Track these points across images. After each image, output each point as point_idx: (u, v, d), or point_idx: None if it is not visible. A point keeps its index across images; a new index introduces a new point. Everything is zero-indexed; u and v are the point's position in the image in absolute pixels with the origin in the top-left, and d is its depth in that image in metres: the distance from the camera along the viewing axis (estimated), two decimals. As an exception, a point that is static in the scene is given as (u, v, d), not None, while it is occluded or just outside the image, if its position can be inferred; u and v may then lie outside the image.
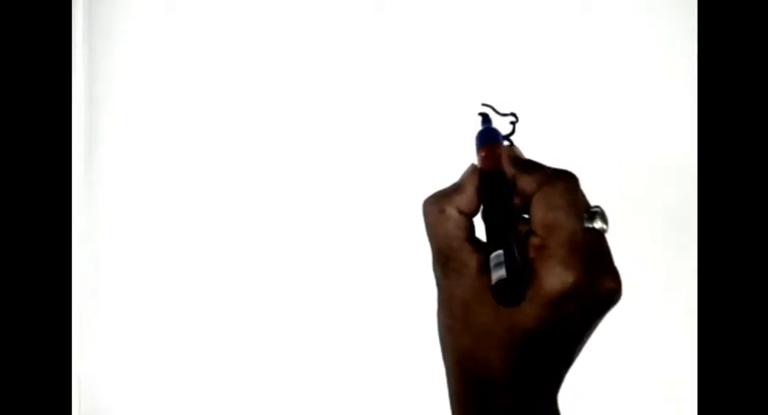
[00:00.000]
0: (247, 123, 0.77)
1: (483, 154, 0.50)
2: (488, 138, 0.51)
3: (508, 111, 0.52)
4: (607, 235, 0.45)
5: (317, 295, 0.76)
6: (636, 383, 0.74)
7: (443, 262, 0.46)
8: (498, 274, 0.43)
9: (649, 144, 0.74)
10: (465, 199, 0.47)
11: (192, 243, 0.77)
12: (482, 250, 0.45)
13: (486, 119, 0.53)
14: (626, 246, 0.50)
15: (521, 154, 0.49)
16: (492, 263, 0.43)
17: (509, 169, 0.47)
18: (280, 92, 0.77)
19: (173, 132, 0.78)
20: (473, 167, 0.49)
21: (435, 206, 0.47)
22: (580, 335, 0.45)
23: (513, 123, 0.51)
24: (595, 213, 0.45)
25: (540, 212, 0.45)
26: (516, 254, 0.43)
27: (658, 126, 0.74)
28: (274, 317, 0.76)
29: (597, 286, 0.44)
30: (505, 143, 0.51)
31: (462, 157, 0.51)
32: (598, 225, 0.45)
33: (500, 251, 0.43)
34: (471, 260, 0.45)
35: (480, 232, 0.46)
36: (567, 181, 0.46)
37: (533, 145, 0.51)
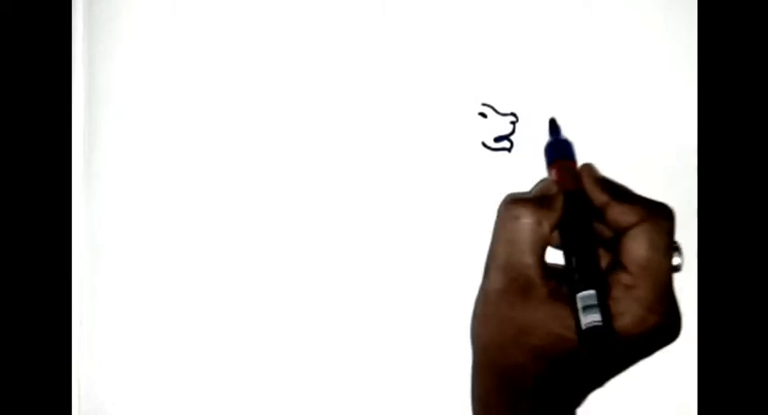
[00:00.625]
0: (250, 122, 0.77)
1: (560, 171, 0.46)
2: (562, 152, 0.47)
3: (508, 111, 0.52)
4: None
5: (319, 296, 0.76)
6: (635, 382, 0.73)
7: (511, 277, 0.43)
8: (591, 319, 0.40)
9: (649, 143, 0.74)
10: (555, 218, 0.44)
11: (193, 243, 0.77)
12: (552, 276, 0.43)
13: (554, 127, 0.49)
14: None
15: (601, 174, 0.47)
16: (581, 304, 0.41)
17: (599, 195, 0.44)
18: (282, 91, 0.77)
19: (173, 131, 0.78)
20: (557, 185, 0.46)
21: (532, 214, 0.43)
22: (628, 366, 0.44)
23: (513, 123, 0.51)
24: (675, 249, 0.44)
25: (640, 250, 0.42)
26: (607, 295, 0.41)
27: (658, 125, 0.74)
28: (275, 316, 0.76)
29: (668, 330, 0.42)
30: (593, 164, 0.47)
31: (465, 156, 0.50)
32: (676, 262, 0.43)
33: (592, 292, 0.41)
34: (542, 285, 0.42)
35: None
36: (669, 219, 0.43)
37: (533, 145, 0.51)
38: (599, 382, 0.45)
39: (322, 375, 0.75)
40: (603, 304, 0.40)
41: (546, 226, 0.43)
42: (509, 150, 0.62)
